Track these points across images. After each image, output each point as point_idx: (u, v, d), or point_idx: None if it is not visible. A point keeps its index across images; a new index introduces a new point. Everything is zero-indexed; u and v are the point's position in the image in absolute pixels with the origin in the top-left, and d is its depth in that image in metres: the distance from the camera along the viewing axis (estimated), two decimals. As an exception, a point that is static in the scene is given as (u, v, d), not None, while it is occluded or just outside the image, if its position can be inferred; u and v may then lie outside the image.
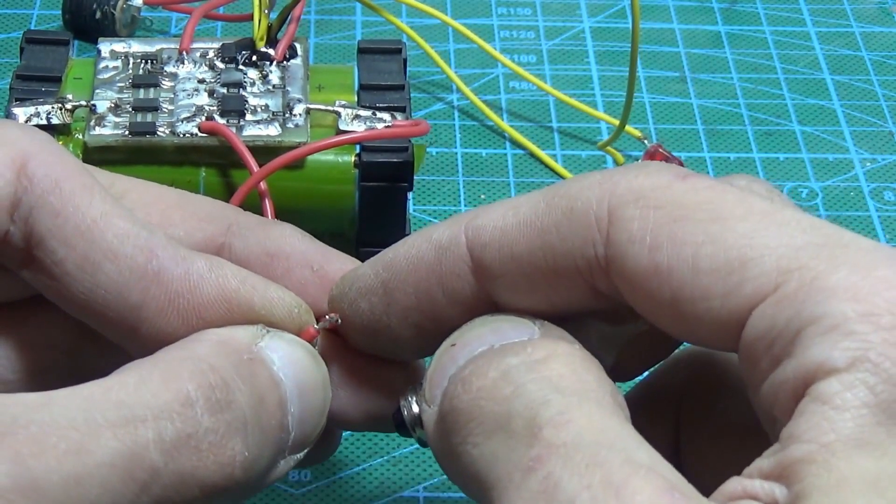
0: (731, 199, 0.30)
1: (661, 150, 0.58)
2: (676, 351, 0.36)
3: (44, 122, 0.46)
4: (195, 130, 0.46)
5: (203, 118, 0.47)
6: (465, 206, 0.57)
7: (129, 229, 0.33)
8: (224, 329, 0.34)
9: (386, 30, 0.64)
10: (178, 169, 0.47)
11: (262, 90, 0.48)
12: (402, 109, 0.49)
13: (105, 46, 0.50)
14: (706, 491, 0.28)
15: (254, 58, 0.49)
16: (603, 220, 0.31)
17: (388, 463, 0.47)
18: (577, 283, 0.32)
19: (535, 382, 0.30)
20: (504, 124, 0.61)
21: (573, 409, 0.29)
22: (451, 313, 0.33)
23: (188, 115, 0.47)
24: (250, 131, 0.47)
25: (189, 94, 0.48)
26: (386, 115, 0.48)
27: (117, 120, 0.47)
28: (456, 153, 0.60)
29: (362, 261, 0.36)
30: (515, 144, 0.60)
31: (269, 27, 0.50)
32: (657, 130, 0.61)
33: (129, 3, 0.62)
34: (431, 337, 0.34)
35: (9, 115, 0.47)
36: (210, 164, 0.47)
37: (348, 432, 0.47)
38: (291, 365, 0.34)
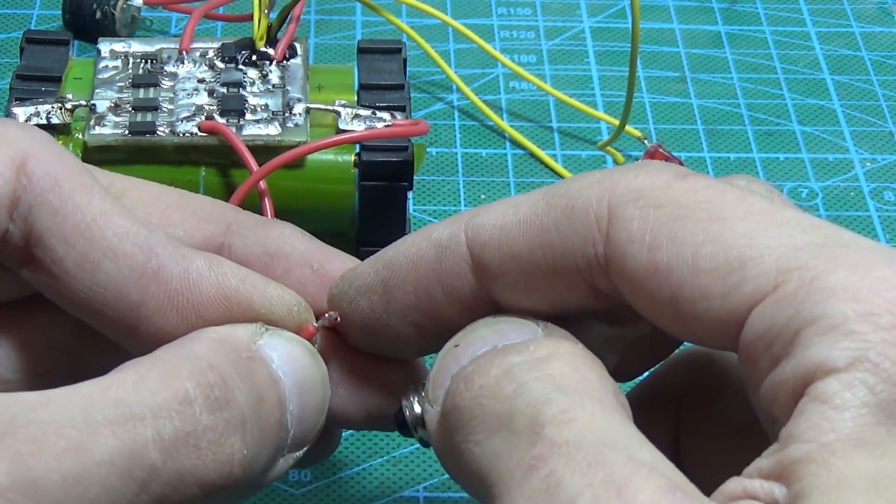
0: (731, 198, 0.30)
1: (661, 150, 0.58)
2: (676, 351, 0.36)
3: (44, 121, 0.46)
4: (195, 130, 0.46)
5: (203, 118, 0.47)
6: (465, 206, 0.57)
7: (128, 228, 0.33)
8: (223, 327, 0.34)
9: (386, 30, 0.64)
10: (177, 168, 0.47)
11: (262, 90, 0.48)
12: (402, 109, 0.49)
13: (105, 46, 0.50)
14: (706, 491, 0.28)
15: (254, 57, 0.49)
16: (603, 220, 0.31)
17: (388, 463, 0.47)
18: (576, 283, 0.32)
19: (538, 381, 0.30)
20: (504, 124, 0.61)
21: (575, 407, 0.29)
22: (450, 312, 0.33)
23: (188, 114, 0.47)
24: (250, 131, 0.47)
25: (189, 94, 0.48)
26: (386, 115, 0.48)
27: (117, 119, 0.47)
28: (456, 153, 0.59)
29: (362, 260, 0.36)
30: (515, 144, 0.60)
31: (269, 27, 0.50)
32: (657, 130, 0.61)
33: (129, 3, 0.62)
34: (431, 336, 0.34)
35: (9, 115, 0.47)
36: (210, 163, 0.47)
37: (348, 432, 0.47)
38: (290, 363, 0.34)
